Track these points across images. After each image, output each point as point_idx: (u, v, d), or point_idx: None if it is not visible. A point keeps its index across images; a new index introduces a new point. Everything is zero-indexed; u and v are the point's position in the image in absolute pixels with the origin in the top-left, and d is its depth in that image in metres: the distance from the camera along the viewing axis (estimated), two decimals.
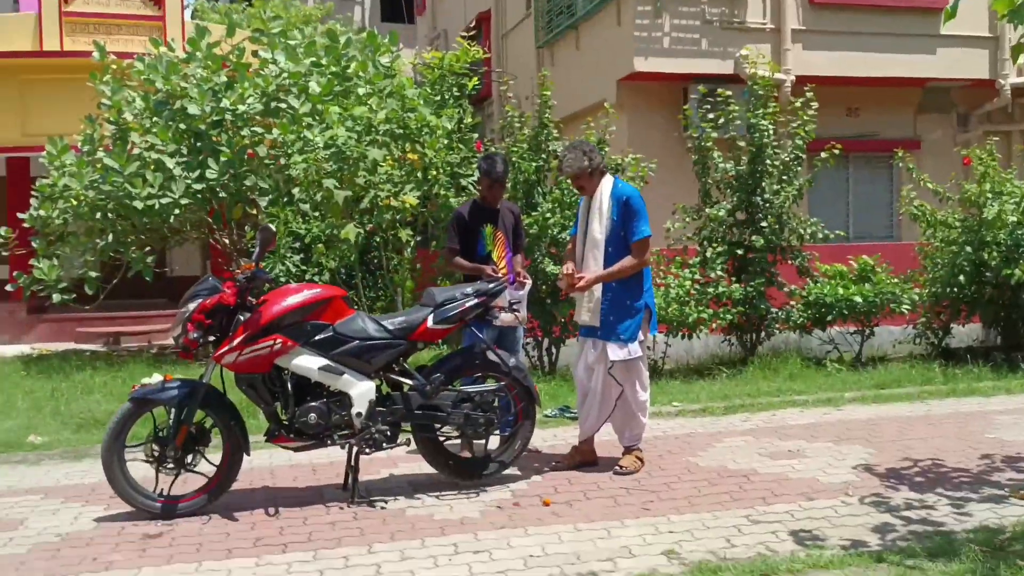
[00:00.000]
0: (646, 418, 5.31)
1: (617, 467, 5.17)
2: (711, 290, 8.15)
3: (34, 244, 9.92)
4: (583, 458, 5.33)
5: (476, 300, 4.87)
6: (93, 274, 9.91)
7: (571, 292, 5.23)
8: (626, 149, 8.81)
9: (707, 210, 8.49)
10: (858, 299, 8.22)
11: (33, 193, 10.00)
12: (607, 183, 5.20)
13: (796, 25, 11.22)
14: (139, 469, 4.61)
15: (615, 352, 5.08)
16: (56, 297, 9.69)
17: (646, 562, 3.84)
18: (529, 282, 5.46)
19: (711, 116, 8.62)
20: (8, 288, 10.46)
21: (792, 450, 5.59)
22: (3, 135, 12.92)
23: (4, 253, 10.97)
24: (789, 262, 8.60)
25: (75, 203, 9.46)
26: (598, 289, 5.12)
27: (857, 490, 4.76)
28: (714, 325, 8.19)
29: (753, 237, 8.33)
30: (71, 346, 11.86)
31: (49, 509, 4.77)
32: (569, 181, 6.22)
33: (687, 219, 8.56)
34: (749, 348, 8.61)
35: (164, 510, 4.50)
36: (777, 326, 8.51)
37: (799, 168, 8.61)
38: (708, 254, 8.29)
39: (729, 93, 8.82)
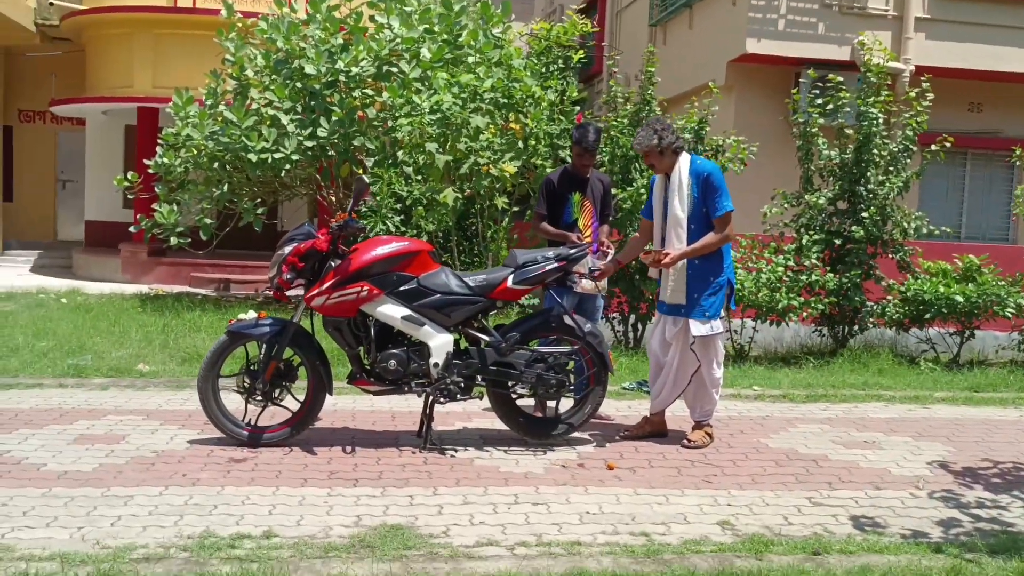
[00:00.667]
0: (718, 395, 5.34)
1: (685, 440, 5.23)
2: (804, 278, 8.02)
3: (157, 190, 10.49)
4: (653, 429, 5.39)
5: (556, 264, 4.99)
6: (208, 221, 10.42)
7: (656, 268, 5.28)
8: (729, 131, 8.72)
9: (807, 197, 8.33)
10: (959, 298, 7.94)
11: (159, 142, 10.58)
12: (684, 161, 5.18)
13: (920, 13, 10.79)
14: (231, 400, 4.95)
15: (698, 328, 5.11)
16: (173, 240, 10.24)
17: (699, 529, 3.92)
18: (612, 252, 5.53)
19: (819, 102, 8.43)
20: (131, 230, 11.11)
21: (867, 441, 5.52)
22: (136, 86, 13.72)
23: (131, 197, 11.70)
24: (889, 256, 8.36)
25: (195, 153, 9.97)
26: (682, 266, 5.16)
27: (928, 484, 4.69)
28: (805, 314, 8.06)
29: (853, 227, 8.14)
30: (185, 289, 12.55)
31: (149, 429, 5.16)
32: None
33: (785, 205, 8.42)
34: (840, 340, 8.43)
35: (250, 438, 4.82)
36: (872, 320, 8.30)
37: (908, 160, 8.35)
38: (804, 241, 8.14)
39: (840, 79, 8.61)
